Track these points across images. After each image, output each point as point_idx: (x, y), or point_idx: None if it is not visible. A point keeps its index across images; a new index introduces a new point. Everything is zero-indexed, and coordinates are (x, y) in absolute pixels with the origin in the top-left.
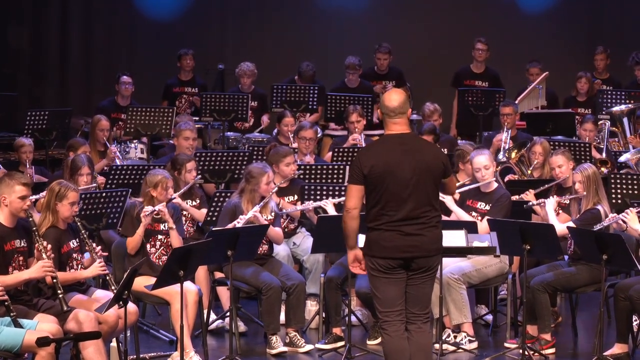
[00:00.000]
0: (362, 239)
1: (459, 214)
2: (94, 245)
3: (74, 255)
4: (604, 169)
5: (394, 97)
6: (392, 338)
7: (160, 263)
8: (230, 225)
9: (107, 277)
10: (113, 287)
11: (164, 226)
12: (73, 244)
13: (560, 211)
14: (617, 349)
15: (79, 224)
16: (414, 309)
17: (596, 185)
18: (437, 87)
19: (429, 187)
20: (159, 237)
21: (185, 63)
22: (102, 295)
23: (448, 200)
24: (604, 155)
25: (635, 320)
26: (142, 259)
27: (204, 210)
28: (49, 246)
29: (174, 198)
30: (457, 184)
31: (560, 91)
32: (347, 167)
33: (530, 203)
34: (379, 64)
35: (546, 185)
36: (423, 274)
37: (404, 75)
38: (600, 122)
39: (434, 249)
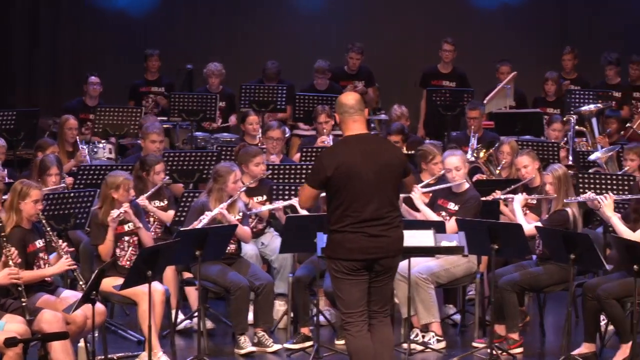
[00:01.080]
0: (323, 239)
1: (426, 212)
2: (60, 241)
3: (40, 254)
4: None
5: (349, 96)
6: (355, 338)
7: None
8: (195, 222)
9: (75, 273)
10: (82, 283)
11: (128, 227)
12: (39, 243)
13: (528, 211)
14: (585, 348)
15: (44, 222)
16: (376, 307)
17: (566, 187)
18: (405, 88)
19: (391, 187)
20: (125, 238)
21: (151, 64)
22: (70, 295)
23: (416, 198)
24: (570, 154)
25: (603, 320)
26: (109, 260)
27: (171, 212)
28: (16, 252)
29: (136, 198)
30: (421, 185)
31: (528, 91)
32: None
33: (498, 197)
34: (351, 63)
35: (513, 186)
36: (386, 275)
37: (373, 75)
38: (566, 117)
39: (397, 249)
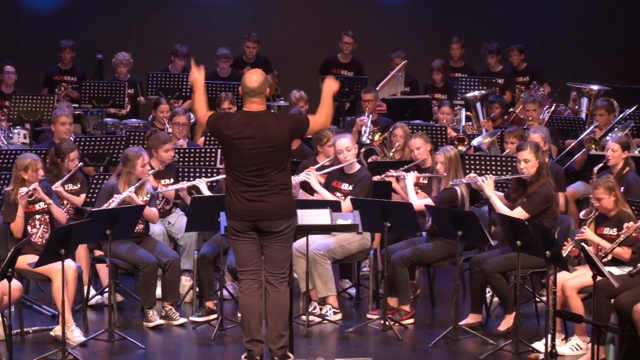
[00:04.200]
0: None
1: (323, 194)
2: None
3: None
4: (461, 147)
5: (254, 77)
6: (244, 294)
7: (44, 242)
8: (105, 205)
9: None
10: None
11: (39, 206)
12: None
13: (419, 190)
14: (471, 319)
15: None
16: (271, 269)
17: (456, 167)
18: (304, 75)
19: (271, 159)
20: (37, 216)
21: (65, 55)
22: None
23: (313, 181)
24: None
25: (489, 292)
26: (25, 239)
27: (83, 196)
28: None
29: (45, 178)
30: (317, 166)
31: (422, 78)
32: (219, 151)
33: (391, 174)
34: (248, 52)
35: (406, 167)
36: (274, 236)
37: (270, 62)
38: (456, 107)
39: (277, 213)
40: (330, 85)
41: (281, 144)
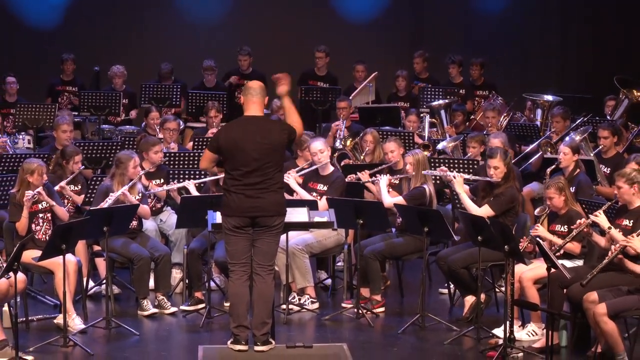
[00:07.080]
0: (213, 216)
1: (301, 193)
2: None
3: None
4: (426, 153)
5: (255, 82)
6: (234, 284)
7: (47, 238)
8: (102, 203)
9: None
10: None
11: (42, 205)
12: None
13: (391, 189)
14: (468, 302)
15: None
16: (260, 260)
17: (423, 168)
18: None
19: (271, 160)
20: (40, 215)
21: (67, 66)
22: None
23: (292, 182)
24: (426, 140)
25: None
26: (29, 235)
27: (82, 196)
28: None
29: (55, 185)
30: (297, 169)
31: (388, 88)
32: None
33: (364, 180)
34: (241, 65)
35: (380, 167)
36: (267, 231)
37: (265, 78)
38: (422, 115)
39: (273, 209)
40: (281, 93)
41: (280, 146)
